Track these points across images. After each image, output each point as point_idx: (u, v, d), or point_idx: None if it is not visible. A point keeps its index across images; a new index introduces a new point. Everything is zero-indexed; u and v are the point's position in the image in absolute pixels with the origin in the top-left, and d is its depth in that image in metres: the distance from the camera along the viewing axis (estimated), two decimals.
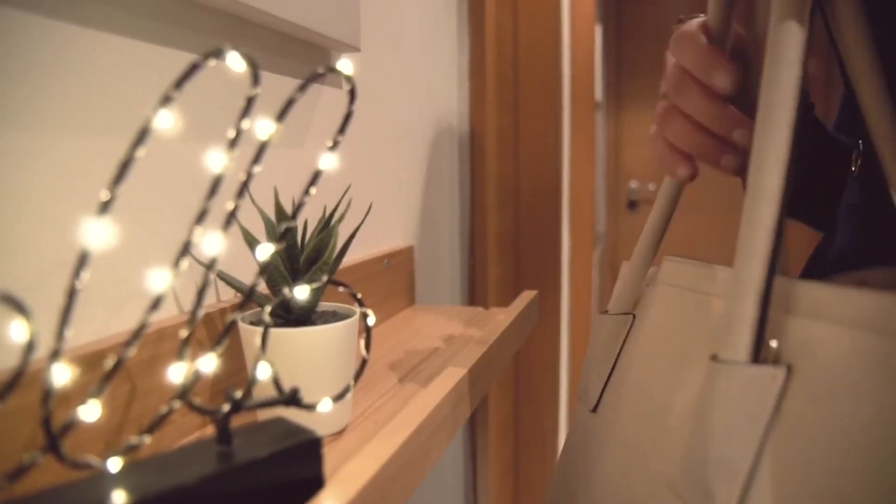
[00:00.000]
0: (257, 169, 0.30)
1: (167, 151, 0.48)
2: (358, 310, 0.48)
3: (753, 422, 0.29)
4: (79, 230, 0.25)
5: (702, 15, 0.41)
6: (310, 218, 0.52)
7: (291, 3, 0.56)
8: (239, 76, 0.29)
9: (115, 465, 0.27)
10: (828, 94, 1.83)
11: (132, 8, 0.44)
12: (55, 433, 0.25)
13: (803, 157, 0.32)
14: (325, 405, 0.36)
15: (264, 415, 0.44)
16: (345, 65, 0.33)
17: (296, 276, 0.49)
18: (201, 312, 0.30)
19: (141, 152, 0.26)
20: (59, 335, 0.25)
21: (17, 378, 0.23)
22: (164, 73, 0.47)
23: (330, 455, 0.43)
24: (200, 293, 0.30)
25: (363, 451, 0.35)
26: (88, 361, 0.38)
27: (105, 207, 0.25)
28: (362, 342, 0.40)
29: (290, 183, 0.61)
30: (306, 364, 0.45)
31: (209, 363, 0.31)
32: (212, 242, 0.30)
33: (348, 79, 0.34)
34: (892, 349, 0.26)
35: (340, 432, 0.48)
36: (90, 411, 0.26)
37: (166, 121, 0.27)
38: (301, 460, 0.31)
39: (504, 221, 1.43)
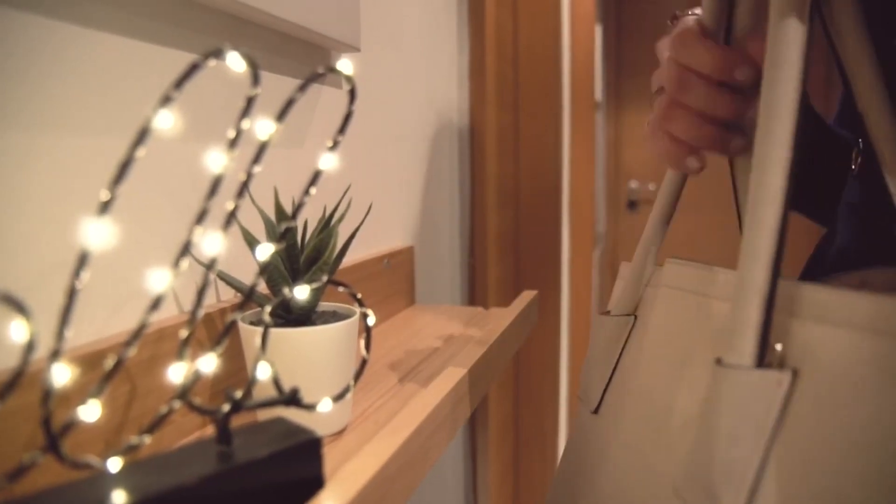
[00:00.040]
0: (257, 169, 0.30)
1: (167, 151, 0.48)
2: (358, 310, 0.48)
3: (759, 427, 0.29)
4: (79, 230, 0.25)
5: (696, 10, 0.41)
6: (310, 218, 0.52)
7: (291, 3, 0.56)
8: (239, 76, 0.29)
9: (115, 465, 0.27)
10: (828, 94, 1.83)
11: (132, 8, 0.44)
12: (55, 433, 0.25)
13: (803, 151, 0.31)
14: (325, 405, 0.36)
15: (264, 415, 0.44)
16: (345, 65, 0.33)
17: (296, 276, 0.49)
18: (201, 312, 0.30)
19: (141, 152, 0.26)
20: (59, 335, 0.25)
21: (17, 378, 0.23)
22: (164, 73, 0.47)
23: (330, 455, 0.43)
24: (200, 293, 0.30)
25: (363, 451, 0.35)
26: (88, 361, 0.38)
27: (105, 207, 0.25)
28: (362, 342, 0.40)
29: (290, 183, 0.61)
30: (306, 364, 0.45)
31: (209, 363, 0.31)
32: (212, 242, 0.30)
33: (348, 79, 0.34)
34: (893, 351, 0.26)
35: (340, 432, 0.48)
36: (90, 411, 0.26)
37: (166, 121, 0.27)
38: (301, 460, 0.31)
39: (504, 221, 1.43)
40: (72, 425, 0.26)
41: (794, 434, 0.28)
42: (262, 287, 0.50)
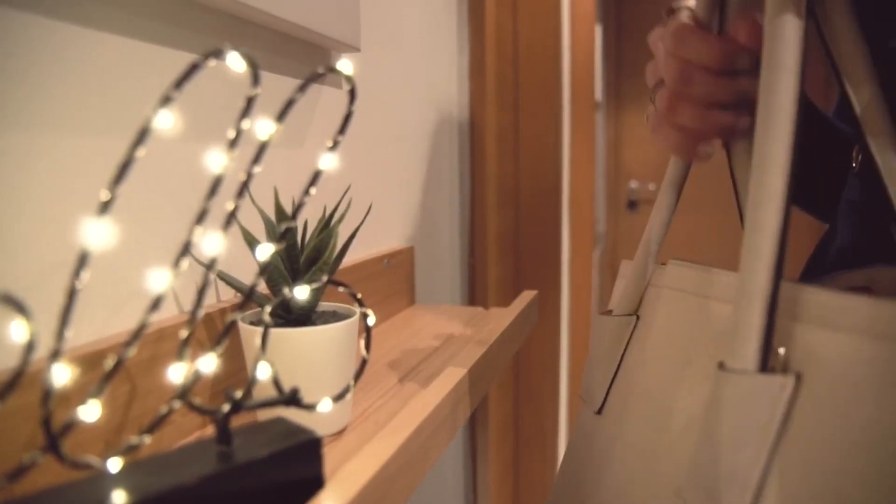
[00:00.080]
0: (257, 169, 0.30)
1: (167, 151, 0.48)
2: (358, 310, 0.48)
3: (763, 432, 0.28)
4: (79, 230, 0.25)
5: (689, 2, 0.42)
6: (310, 218, 0.52)
7: (291, 3, 0.56)
8: (239, 76, 0.29)
9: (115, 465, 0.27)
10: (828, 94, 1.83)
11: (132, 8, 0.44)
12: (55, 433, 0.25)
13: (803, 145, 0.31)
14: (325, 405, 0.36)
15: (264, 415, 0.44)
16: (345, 65, 0.33)
17: (296, 277, 0.49)
18: (201, 312, 0.30)
19: (141, 152, 0.26)
20: (59, 335, 0.25)
21: (17, 378, 0.23)
22: (164, 73, 0.47)
23: (330, 455, 0.43)
24: (200, 293, 0.30)
25: (363, 452, 0.35)
26: (88, 361, 0.38)
27: (105, 207, 0.25)
28: (362, 342, 0.40)
29: (290, 183, 0.61)
30: (306, 364, 0.45)
31: (209, 363, 0.31)
32: (212, 242, 0.30)
33: (348, 79, 0.34)
34: (893, 355, 0.26)
35: (340, 432, 0.48)
36: (90, 411, 0.26)
37: (166, 121, 0.27)
38: (301, 460, 0.31)
39: (504, 221, 1.43)
40: (72, 425, 0.26)
41: (797, 437, 0.28)
42: (262, 287, 0.50)
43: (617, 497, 0.40)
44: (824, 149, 0.52)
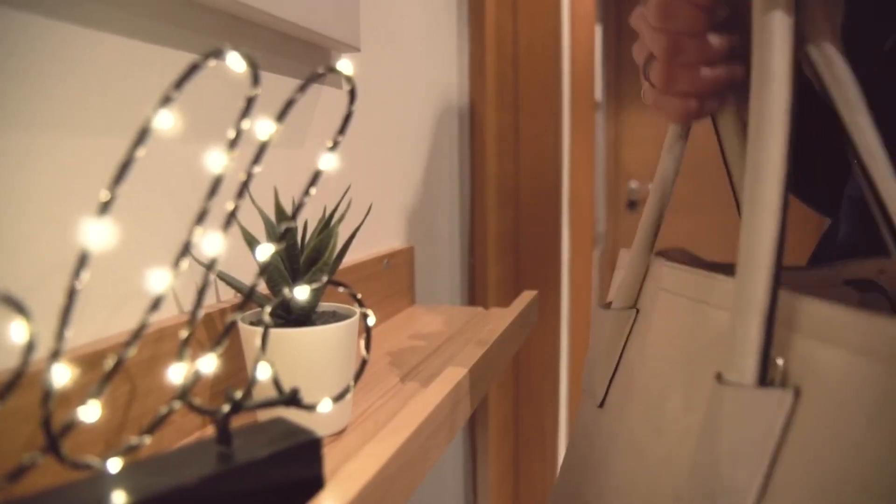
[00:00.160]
0: (257, 169, 0.30)
1: (167, 151, 0.48)
2: (358, 310, 0.48)
3: (761, 447, 0.28)
4: (79, 230, 0.25)
5: None
6: (310, 218, 0.52)
7: (291, 3, 0.56)
8: (239, 76, 0.29)
9: (115, 465, 0.27)
10: None
11: (132, 8, 0.44)
12: (55, 434, 0.25)
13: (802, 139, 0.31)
14: (325, 405, 0.36)
15: (264, 415, 0.44)
16: (345, 65, 0.33)
17: (296, 277, 0.49)
18: (201, 312, 0.30)
19: (141, 152, 0.26)
20: (59, 335, 0.25)
21: (17, 378, 0.23)
22: (164, 73, 0.47)
23: (330, 455, 0.43)
24: (200, 293, 0.30)
25: (363, 452, 0.35)
26: (88, 361, 0.38)
27: (105, 207, 0.25)
28: (362, 342, 0.40)
29: (290, 183, 0.61)
30: (306, 364, 0.45)
31: (209, 363, 0.31)
32: (212, 242, 0.30)
33: (348, 79, 0.34)
34: (887, 372, 0.25)
35: (340, 432, 0.48)
36: (90, 412, 0.26)
37: (166, 121, 0.27)
38: (301, 461, 0.31)
39: (504, 221, 1.43)
40: (72, 426, 0.26)
41: (795, 453, 0.27)
42: (262, 287, 0.50)
43: (617, 489, 0.41)
44: (827, 142, 0.52)
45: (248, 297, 0.32)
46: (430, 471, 0.59)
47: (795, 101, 0.31)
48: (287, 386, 0.34)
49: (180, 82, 0.27)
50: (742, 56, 0.40)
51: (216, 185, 0.29)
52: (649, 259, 0.46)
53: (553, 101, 1.52)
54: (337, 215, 0.51)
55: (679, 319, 0.39)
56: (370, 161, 0.82)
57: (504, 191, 1.43)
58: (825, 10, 0.34)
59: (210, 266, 0.30)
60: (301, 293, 0.41)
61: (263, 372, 0.33)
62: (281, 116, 0.30)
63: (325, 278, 0.46)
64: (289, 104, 0.30)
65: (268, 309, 0.35)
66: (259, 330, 0.35)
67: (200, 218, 0.29)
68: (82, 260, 0.25)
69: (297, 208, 0.33)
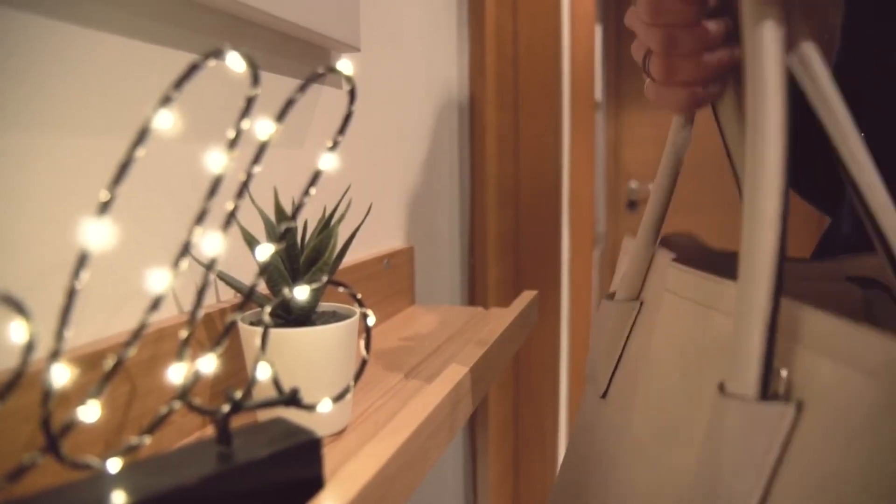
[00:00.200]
0: (257, 169, 0.30)
1: (167, 151, 0.48)
2: (358, 310, 0.48)
3: (762, 460, 0.28)
4: (79, 230, 0.25)
5: None
6: (310, 218, 0.52)
7: (291, 3, 0.56)
8: (239, 76, 0.29)
9: (114, 465, 0.27)
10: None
11: (132, 8, 0.44)
12: (55, 434, 0.25)
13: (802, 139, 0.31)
14: (325, 405, 0.36)
15: (264, 415, 0.44)
16: (345, 65, 0.33)
17: (296, 277, 0.49)
18: (201, 312, 0.30)
19: (141, 152, 0.26)
20: (59, 335, 0.25)
21: (17, 378, 0.23)
22: (164, 73, 0.47)
23: (330, 455, 0.43)
24: (200, 293, 0.30)
25: (363, 452, 0.35)
26: (88, 361, 0.38)
27: (105, 207, 0.25)
28: (362, 342, 0.40)
29: (290, 183, 0.61)
30: (306, 364, 0.45)
31: (209, 363, 0.31)
32: (212, 242, 0.30)
33: (348, 79, 0.34)
34: (888, 390, 0.25)
35: (340, 432, 0.48)
36: (90, 412, 0.26)
37: (166, 121, 0.27)
38: (301, 461, 0.31)
39: (504, 221, 1.43)
40: (71, 426, 0.26)
41: (796, 467, 0.27)
42: (262, 287, 0.50)
43: (620, 482, 0.41)
44: (826, 140, 0.52)
45: (248, 297, 0.32)
46: (430, 471, 0.59)
47: (790, 108, 0.31)
48: (287, 386, 0.34)
49: (180, 82, 0.27)
50: (738, 37, 0.41)
51: (216, 185, 0.29)
52: (654, 248, 0.46)
53: (553, 100, 1.52)
54: (337, 215, 0.51)
55: (686, 324, 0.39)
56: (370, 161, 0.82)
57: (504, 191, 1.43)
58: (803, 10, 0.34)
59: (210, 266, 0.30)
60: (301, 293, 0.41)
61: (263, 372, 0.33)
62: (281, 116, 0.30)
63: (324, 278, 0.46)
64: (289, 104, 0.30)
65: (268, 309, 0.35)
66: (259, 330, 0.35)
67: (200, 218, 0.29)
68: (82, 260, 0.25)
69: (297, 208, 0.33)
